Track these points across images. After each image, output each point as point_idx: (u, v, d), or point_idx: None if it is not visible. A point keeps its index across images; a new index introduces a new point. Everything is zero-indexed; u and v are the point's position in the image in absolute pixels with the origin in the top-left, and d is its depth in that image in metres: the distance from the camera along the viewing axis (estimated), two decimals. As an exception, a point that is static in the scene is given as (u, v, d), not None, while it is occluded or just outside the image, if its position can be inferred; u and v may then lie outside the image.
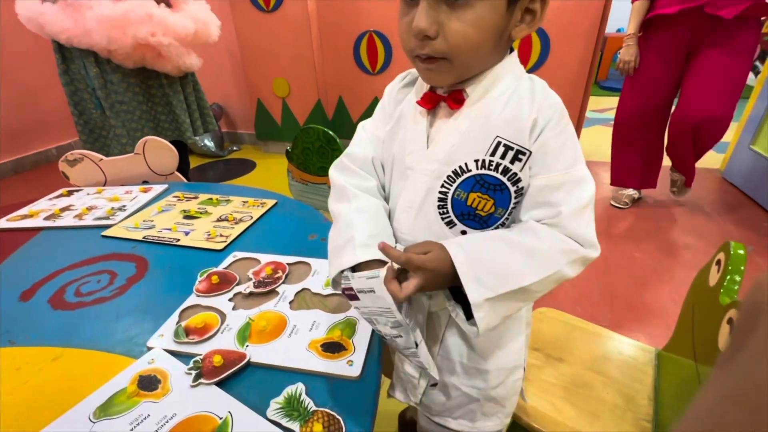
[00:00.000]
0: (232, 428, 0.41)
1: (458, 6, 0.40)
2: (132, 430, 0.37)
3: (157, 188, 1.02)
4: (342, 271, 0.47)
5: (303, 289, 0.62)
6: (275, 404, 0.43)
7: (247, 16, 2.43)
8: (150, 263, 0.71)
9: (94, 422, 0.42)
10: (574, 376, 0.69)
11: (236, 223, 0.83)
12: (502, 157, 0.45)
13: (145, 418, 0.42)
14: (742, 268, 0.52)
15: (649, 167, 1.93)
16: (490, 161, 0.45)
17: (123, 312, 0.59)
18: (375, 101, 2.57)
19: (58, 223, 0.86)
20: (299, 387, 0.45)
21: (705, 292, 0.57)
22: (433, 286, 0.45)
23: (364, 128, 0.59)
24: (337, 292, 0.59)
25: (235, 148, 2.98)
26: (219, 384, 0.46)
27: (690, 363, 0.57)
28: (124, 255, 0.74)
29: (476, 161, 0.46)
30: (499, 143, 0.45)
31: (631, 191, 1.99)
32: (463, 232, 0.49)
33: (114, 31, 1.23)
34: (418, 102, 0.50)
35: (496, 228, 0.48)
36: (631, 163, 1.93)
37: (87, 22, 1.22)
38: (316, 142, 1.23)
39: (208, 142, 2.81)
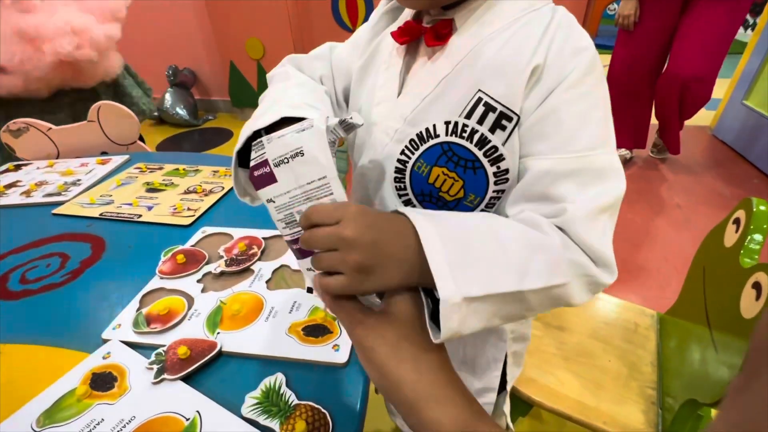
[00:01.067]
0: (200, 430, 0.35)
1: None
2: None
3: (117, 159, 0.92)
4: (252, 140, 0.32)
5: (281, 266, 0.55)
6: (251, 399, 0.38)
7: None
8: (107, 243, 0.63)
9: (37, 431, 0.36)
10: (575, 344, 0.66)
11: (206, 194, 0.75)
12: (480, 121, 0.33)
13: (98, 424, 0.36)
14: (766, 226, 0.47)
15: (641, 126, 1.88)
16: (464, 126, 0.33)
17: (75, 300, 0.52)
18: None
19: (2, 201, 0.76)
20: (278, 378, 0.40)
21: (719, 254, 0.53)
22: (378, 278, 0.28)
23: (331, 48, 0.46)
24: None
25: (210, 117, 2.81)
26: (185, 379, 0.40)
27: (699, 328, 0.53)
28: (77, 235, 0.66)
29: (446, 123, 0.34)
30: (479, 101, 0.32)
31: (623, 151, 1.95)
32: None
33: (26, 47, 0.91)
34: (392, 34, 0.37)
35: None
36: (622, 123, 1.88)
37: None
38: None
39: (181, 111, 2.63)
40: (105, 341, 0.45)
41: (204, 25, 2.53)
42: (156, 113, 2.66)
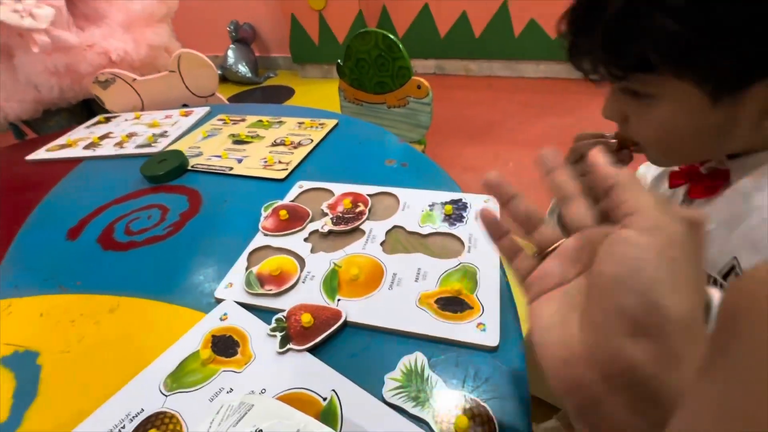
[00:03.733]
0: (341, 414, 0.30)
1: (642, 102, 0.34)
2: (212, 422, 0.27)
3: (199, 111, 0.89)
4: None
5: (394, 227, 0.48)
6: (392, 382, 0.32)
7: None
8: (203, 196, 0.60)
9: (166, 395, 0.33)
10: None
11: (295, 147, 0.69)
12: None
13: (227, 393, 0.33)
14: None
15: None
16: (721, 285, 0.33)
17: (181, 254, 0.49)
18: (425, 9, 2.21)
19: (98, 152, 0.76)
20: (419, 358, 0.34)
21: None
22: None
23: None
24: (443, 230, 0.46)
25: (271, 75, 2.77)
26: (312, 351, 0.35)
27: None
28: (172, 186, 0.63)
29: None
30: (732, 268, 0.33)
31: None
32: None
33: (63, 80, 0.90)
34: (670, 174, 0.40)
35: None
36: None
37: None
38: (373, 51, 1.02)
39: (243, 68, 2.61)
40: (218, 301, 0.41)
41: (264, -25, 2.43)
42: (220, 71, 2.67)
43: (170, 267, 0.48)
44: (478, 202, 0.50)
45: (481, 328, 0.35)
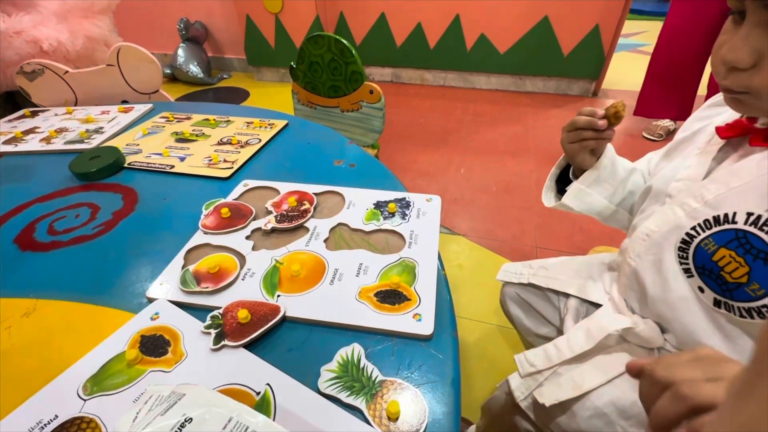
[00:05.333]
0: (274, 407, 0.30)
1: None
2: (139, 412, 0.26)
3: (140, 108, 0.84)
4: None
5: (338, 225, 0.49)
6: (328, 373, 0.32)
7: None
8: (140, 194, 0.57)
9: (85, 399, 0.31)
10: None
11: (242, 146, 0.68)
12: None
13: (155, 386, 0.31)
14: None
15: (687, 98, 1.74)
16: (766, 220, 0.33)
17: (111, 254, 0.47)
18: (381, 18, 2.26)
19: (21, 147, 0.70)
20: (356, 349, 0.34)
21: None
22: None
23: (648, 159, 0.54)
24: (386, 227, 0.47)
25: (225, 76, 2.69)
26: (248, 347, 0.35)
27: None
28: (106, 185, 0.60)
29: (749, 214, 0.35)
30: None
31: (667, 122, 1.82)
32: (701, 289, 0.38)
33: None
34: (717, 128, 0.40)
35: (742, 305, 0.35)
36: (668, 94, 1.74)
37: None
38: (326, 54, 1.03)
39: (195, 68, 2.51)
40: (151, 300, 0.39)
41: (218, -26, 2.37)
42: (169, 70, 2.55)
43: (98, 267, 0.45)
44: (421, 201, 0.52)
45: (417, 318, 0.37)
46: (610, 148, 0.48)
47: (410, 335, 0.36)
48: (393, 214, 0.50)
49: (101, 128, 0.76)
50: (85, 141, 0.71)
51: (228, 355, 0.34)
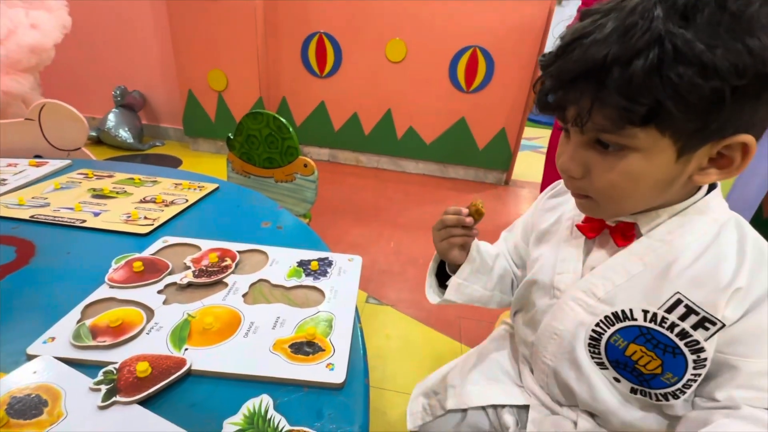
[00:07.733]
0: (165, 466, 0.28)
1: (609, 153, 0.35)
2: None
3: (56, 163, 0.80)
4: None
5: (260, 281, 0.49)
6: (231, 426, 0.31)
7: (183, 1, 2.21)
8: (38, 247, 0.53)
9: None
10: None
11: (166, 205, 0.67)
12: (682, 318, 0.36)
13: (15, 462, 0.27)
14: None
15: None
16: (664, 318, 0.37)
17: (-11, 309, 0.41)
18: (321, 106, 2.47)
19: None
20: (264, 400, 0.33)
21: None
22: None
23: (504, 239, 0.60)
24: (307, 283, 0.49)
25: (157, 143, 2.64)
26: (144, 403, 0.32)
27: None
28: (-2, 236, 0.54)
29: (645, 312, 0.38)
30: (678, 302, 0.36)
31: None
32: (616, 380, 0.41)
33: None
34: (577, 226, 0.44)
35: (661, 394, 0.38)
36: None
37: None
38: (264, 129, 1.10)
39: (125, 133, 2.44)
40: (30, 357, 0.35)
41: (165, 51, 2.47)
42: (95, 132, 2.44)
43: (-31, 324, 0.39)
44: (344, 261, 0.55)
45: (330, 368, 0.37)
46: (475, 240, 0.50)
47: (322, 384, 0.36)
48: (315, 272, 0.52)
49: (5, 180, 0.70)
50: (-19, 191, 0.65)
51: (118, 413, 0.31)
